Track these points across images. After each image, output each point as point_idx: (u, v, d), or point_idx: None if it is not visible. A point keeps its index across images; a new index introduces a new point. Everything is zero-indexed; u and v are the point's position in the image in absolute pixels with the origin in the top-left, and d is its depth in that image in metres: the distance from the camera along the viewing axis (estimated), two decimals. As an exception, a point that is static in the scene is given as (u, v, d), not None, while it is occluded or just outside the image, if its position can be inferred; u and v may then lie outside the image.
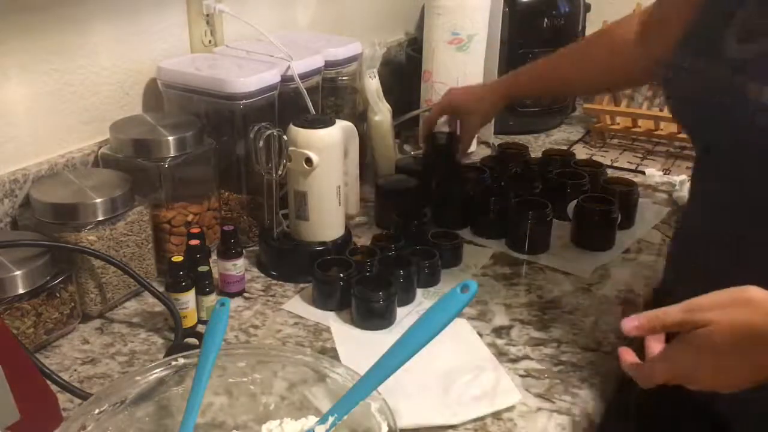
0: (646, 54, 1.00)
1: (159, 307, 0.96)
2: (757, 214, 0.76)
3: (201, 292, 0.94)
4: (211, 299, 0.95)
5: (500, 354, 0.90)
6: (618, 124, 1.60)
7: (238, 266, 1.00)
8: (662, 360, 0.67)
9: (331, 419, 0.64)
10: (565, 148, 1.54)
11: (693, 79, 0.80)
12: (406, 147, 1.51)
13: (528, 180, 1.25)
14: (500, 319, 0.97)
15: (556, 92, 1.50)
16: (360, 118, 1.33)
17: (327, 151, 1.01)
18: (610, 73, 1.13)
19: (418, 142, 1.46)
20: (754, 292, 0.62)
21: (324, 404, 0.70)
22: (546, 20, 1.54)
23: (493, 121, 1.51)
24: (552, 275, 1.08)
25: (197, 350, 0.71)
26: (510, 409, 0.80)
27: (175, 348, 0.88)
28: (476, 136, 1.39)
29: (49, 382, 0.77)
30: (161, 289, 0.94)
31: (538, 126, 1.66)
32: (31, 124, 1.01)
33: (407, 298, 0.99)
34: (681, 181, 1.35)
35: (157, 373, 0.71)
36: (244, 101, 1.07)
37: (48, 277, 0.86)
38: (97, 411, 0.66)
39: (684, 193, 1.30)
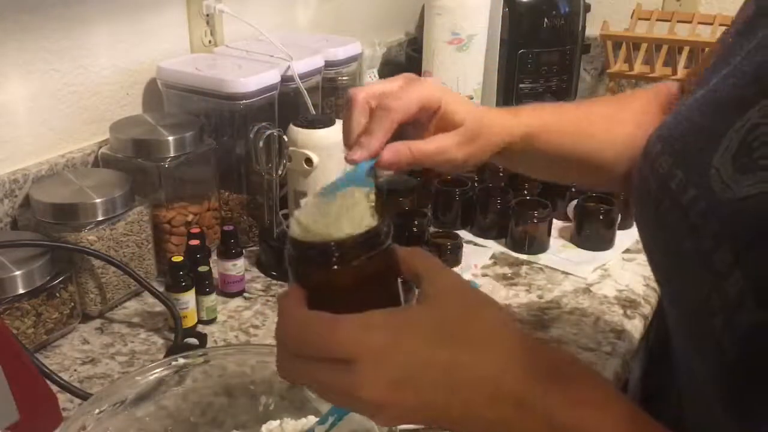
0: None
1: (159, 307, 0.96)
2: None
3: (201, 292, 0.94)
4: (211, 299, 0.95)
5: (500, 354, 0.90)
6: (618, 124, 1.60)
7: (238, 266, 1.00)
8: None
9: (331, 419, 0.64)
10: (565, 148, 1.53)
11: None
12: (406, 147, 1.50)
13: (528, 180, 1.25)
14: (500, 319, 0.97)
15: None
16: (360, 118, 1.33)
17: (327, 151, 1.01)
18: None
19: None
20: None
21: (324, 404, 0.69)
22: (546, 20, 1.53)
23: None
24: (552, 275, 1.08)
25: (197, 350, 0.71)
26: (510, 409, 0.80)
27: (175, 348, 0.88)
28: None
29: (49, 382, 0.76)
30: (161, 289, 0.94)
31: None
32: (31, 124, 1.01)
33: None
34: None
35: (157, 373, 0.71)
36: (244, 101, 1.07)
37: (48, 277, 0.86)
38: (97, 411, 0.66)
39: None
